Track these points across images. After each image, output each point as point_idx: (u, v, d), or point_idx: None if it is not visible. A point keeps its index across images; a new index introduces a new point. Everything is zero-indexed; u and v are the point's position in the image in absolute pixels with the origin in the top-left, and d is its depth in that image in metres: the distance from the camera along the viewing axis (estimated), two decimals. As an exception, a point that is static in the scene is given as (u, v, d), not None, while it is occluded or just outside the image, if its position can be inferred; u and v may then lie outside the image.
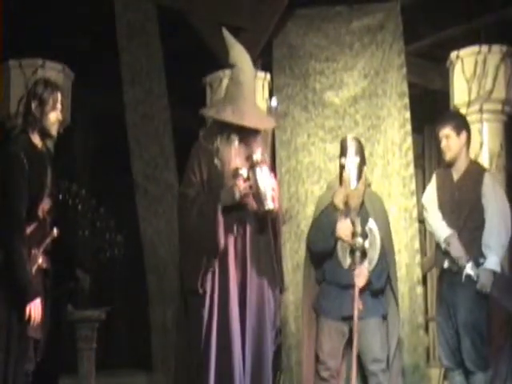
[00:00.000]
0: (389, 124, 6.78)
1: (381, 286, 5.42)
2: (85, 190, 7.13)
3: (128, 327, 9.00)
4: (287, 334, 6.73)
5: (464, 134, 5.54)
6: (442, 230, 5.51)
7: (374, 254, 5.39)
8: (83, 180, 8.18)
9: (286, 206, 6.74)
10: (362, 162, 5.49)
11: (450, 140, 5.55)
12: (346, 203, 5.40)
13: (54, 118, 4.49)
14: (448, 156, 5.58)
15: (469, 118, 6.03)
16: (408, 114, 6.72)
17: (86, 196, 7.05)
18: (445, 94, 6.63)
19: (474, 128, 5.92)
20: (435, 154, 8.32)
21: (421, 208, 6.11)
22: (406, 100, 6.72)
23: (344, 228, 5.38)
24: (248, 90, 4.23)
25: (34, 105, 4.46)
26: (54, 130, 4.53)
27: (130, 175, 6.74)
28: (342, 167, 5.47)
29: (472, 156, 5.79)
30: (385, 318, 5.47)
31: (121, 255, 7.17)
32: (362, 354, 5.40)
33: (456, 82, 6.37)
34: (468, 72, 6.32)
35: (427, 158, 8.45)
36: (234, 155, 4.24)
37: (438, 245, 5.64)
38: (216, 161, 4.24)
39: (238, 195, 4.20)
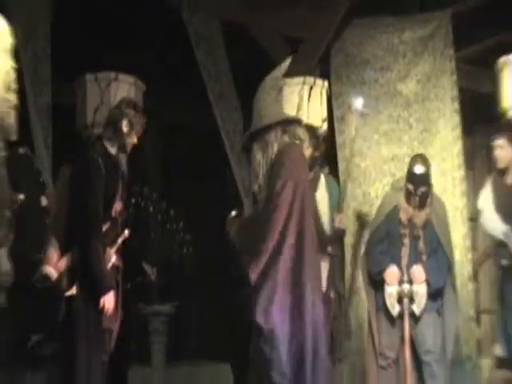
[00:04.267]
0: (441, 126, 6.89)
1: (441, 286, 5.64)
2: (156, 193, 7.45)
3: (197, 321, 9.13)
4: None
5: None
6: (499, 225, 5.69)
7: (422, 298, 5.56)
8: (154, 184, 8.27)
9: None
10: (430, 188, 5.67)
11: (503, 150, 5.76)
12: (411, 220, 5.65)
13: (135, 139, 4.89)
14: (500, 164, 5.79)
15: (517, 122, 6.13)
16: (458, 119, 6.83)
17: (157, 199, 7.34)
18: (495, 96, 6.75)
19: (521, 131, 6.02)
20: (485, 157, 8.37)
21: (472, 207, 6.30)
22: (457, 105, 6.83)
23: (391, 275, 5.59)
24: None
25: (124, 124, 4.82)
26: (129, 149, 4.92)
27: (197, 180, 6.83)
28: (409, 192, 5.66)
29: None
30: (439, 312, 5.72)
31: (189, 254, 7.44)
32: (417, 345, 5.68)
33: (504, 87, 6.33)
34: (516, 76, 6.43)
35: (477, 159, 8.52)
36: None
37: (496, 245, 5.81)
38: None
39: None
